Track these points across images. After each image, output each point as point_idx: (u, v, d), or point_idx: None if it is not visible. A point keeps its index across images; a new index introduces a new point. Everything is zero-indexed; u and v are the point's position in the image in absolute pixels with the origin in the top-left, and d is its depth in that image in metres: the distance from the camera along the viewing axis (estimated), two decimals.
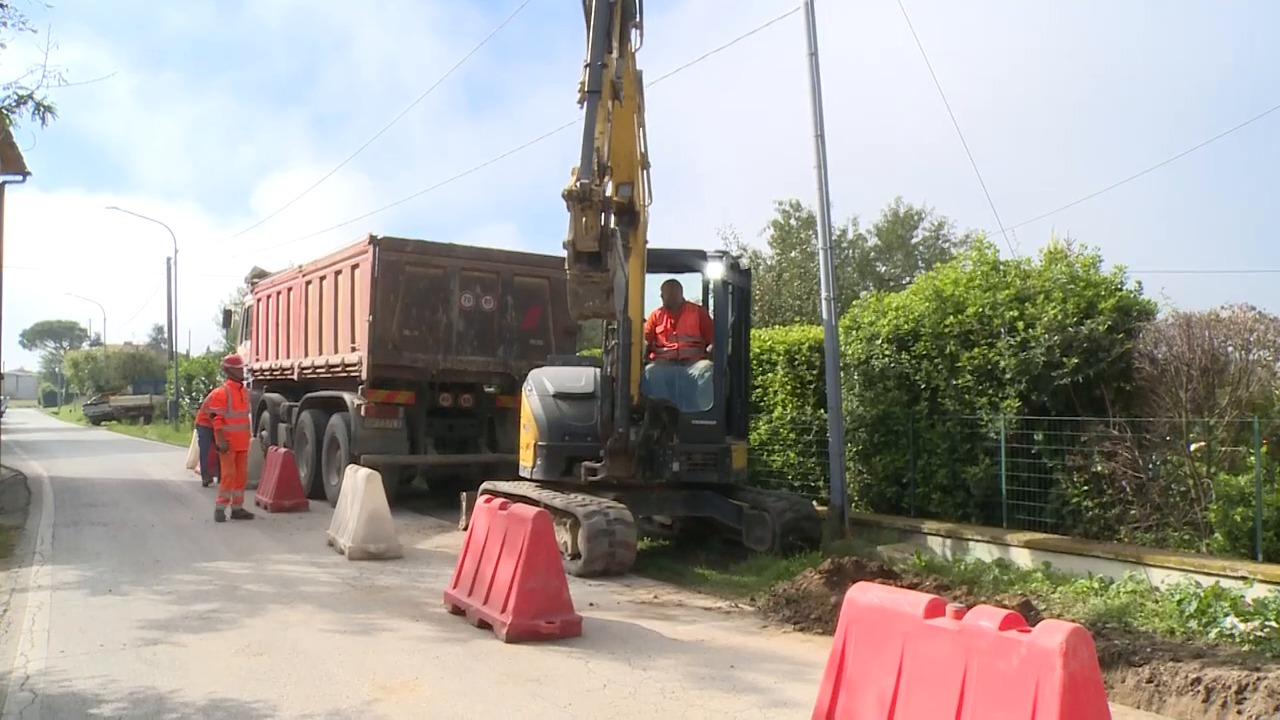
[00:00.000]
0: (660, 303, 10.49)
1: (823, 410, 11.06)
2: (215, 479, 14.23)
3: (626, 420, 9.07)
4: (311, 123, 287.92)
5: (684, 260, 10.34)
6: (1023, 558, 8.39)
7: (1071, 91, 71.85)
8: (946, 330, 9.65)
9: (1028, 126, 78.93)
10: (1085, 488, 8.41)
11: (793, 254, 26.11)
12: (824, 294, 10.63)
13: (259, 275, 19.19)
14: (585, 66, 7.95)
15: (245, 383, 15.24)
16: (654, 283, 10.36)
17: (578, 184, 7.41)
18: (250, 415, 12.78)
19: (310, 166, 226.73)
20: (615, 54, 8.21)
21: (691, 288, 10.69)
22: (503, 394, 14.12)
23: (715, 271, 10.09)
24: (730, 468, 9.63)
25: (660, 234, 9.96)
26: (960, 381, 9.54)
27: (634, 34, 8.99)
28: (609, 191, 8.14)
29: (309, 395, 14.89)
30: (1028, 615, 6.10)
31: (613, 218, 7.79)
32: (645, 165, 9.34)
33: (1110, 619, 6.31)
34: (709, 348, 10.15)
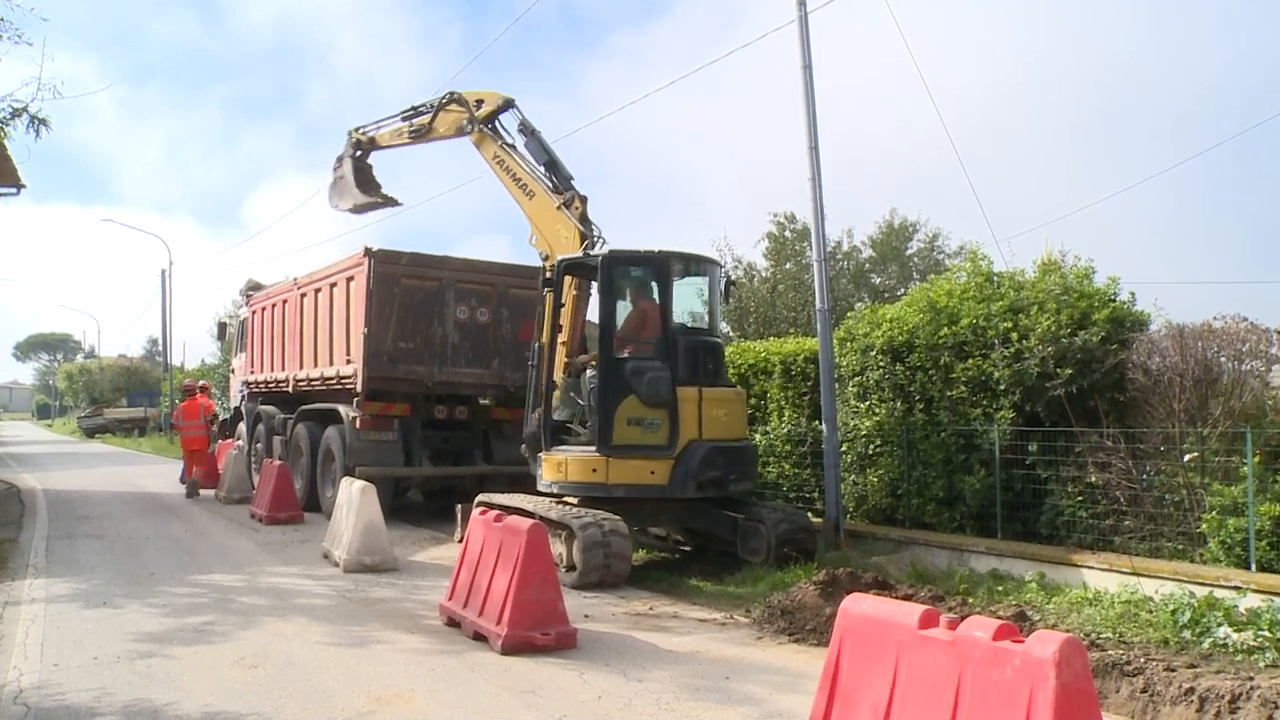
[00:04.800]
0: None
1: (817, 422, 11.08)
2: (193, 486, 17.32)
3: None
4: (300, 134, 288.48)
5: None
6: (1017, 568, 8.40)
7: (1066, 105, 72.31)
8: (941, 341, 9.69)
9: (1023, 140, 79.36)
10: (1079, 498, 8.43)
11: (787, 266, 26.13)
12: (818, 305, 10.63)
13: (254, 288, 19.18)
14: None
15: (207, 397, 19.14)
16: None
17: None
18: (205, 423, 17.45)
19: (302, 176, 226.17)
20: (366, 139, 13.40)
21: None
22: (497, 406, 14.13)
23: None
24: (541, 478, 9.75)
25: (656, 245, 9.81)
26: (954, 393, 9.57)
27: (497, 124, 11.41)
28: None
29: (304, 407, 14.87)
30: (1022, 626, 6.12)
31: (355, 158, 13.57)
32: (570, 204, 10.25)
33: (1104, 629, 6.33)
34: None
